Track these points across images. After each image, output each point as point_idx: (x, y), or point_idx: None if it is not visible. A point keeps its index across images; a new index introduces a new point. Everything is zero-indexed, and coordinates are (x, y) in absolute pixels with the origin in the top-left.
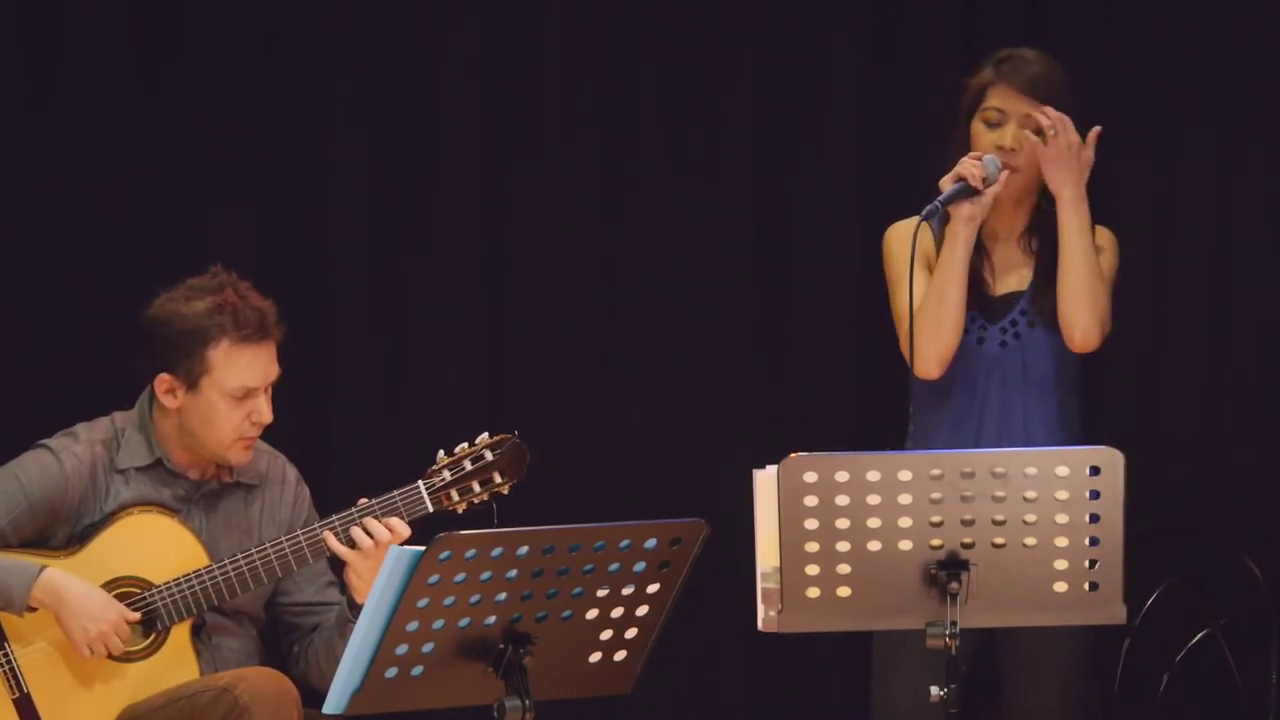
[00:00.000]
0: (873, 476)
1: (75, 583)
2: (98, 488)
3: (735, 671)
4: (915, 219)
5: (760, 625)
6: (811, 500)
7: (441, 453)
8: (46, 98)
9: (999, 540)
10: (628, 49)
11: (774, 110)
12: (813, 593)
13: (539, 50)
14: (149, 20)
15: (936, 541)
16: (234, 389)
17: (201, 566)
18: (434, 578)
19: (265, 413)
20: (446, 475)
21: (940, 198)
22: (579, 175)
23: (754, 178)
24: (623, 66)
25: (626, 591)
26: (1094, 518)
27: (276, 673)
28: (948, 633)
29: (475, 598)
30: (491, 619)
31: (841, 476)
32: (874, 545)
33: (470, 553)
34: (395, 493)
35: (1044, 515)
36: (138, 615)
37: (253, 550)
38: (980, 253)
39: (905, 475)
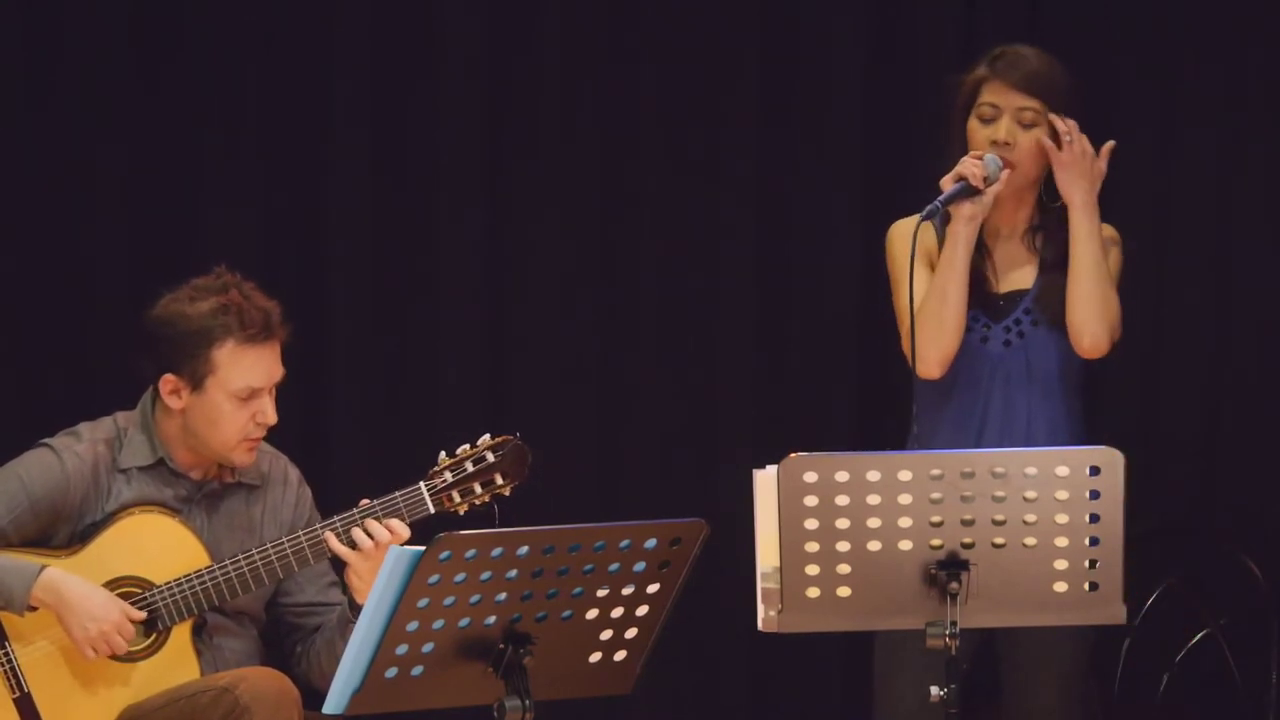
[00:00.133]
0: (873, 476)
1: (76, 582)
2: (99, 487)
3: (735, 671)
4: (916, 217)
5: (760, 625)
6: (811, 500)
7: (443, 454)
8: (46, 98)
9: (999, 540)
10: (628, 49)
11: (774, 110)
12: (813, 593)
13: (539, 50)
14: (149, 20)
15: (936, 541)
16: (239, 389)
17: (202, 567)
18: (434, 578)
19: (270, 414)
20: (448, 476)
21: (941, 198)
22: (579, 175)
23: (754, 178)
24: (623, 66)
25: (626, 591)
26: (1094, 518)
27: (277, 673)
28: (948, 633)
29: (475, 598)
30: (491, 619)
31: (841, 476)
32: (874, 545)
33: (470, 553)
34: (397, 494)
35: (1044, 515)
36: (143, 614)
37: (253, 551)
38: (982, 251)
39: (905, 475)
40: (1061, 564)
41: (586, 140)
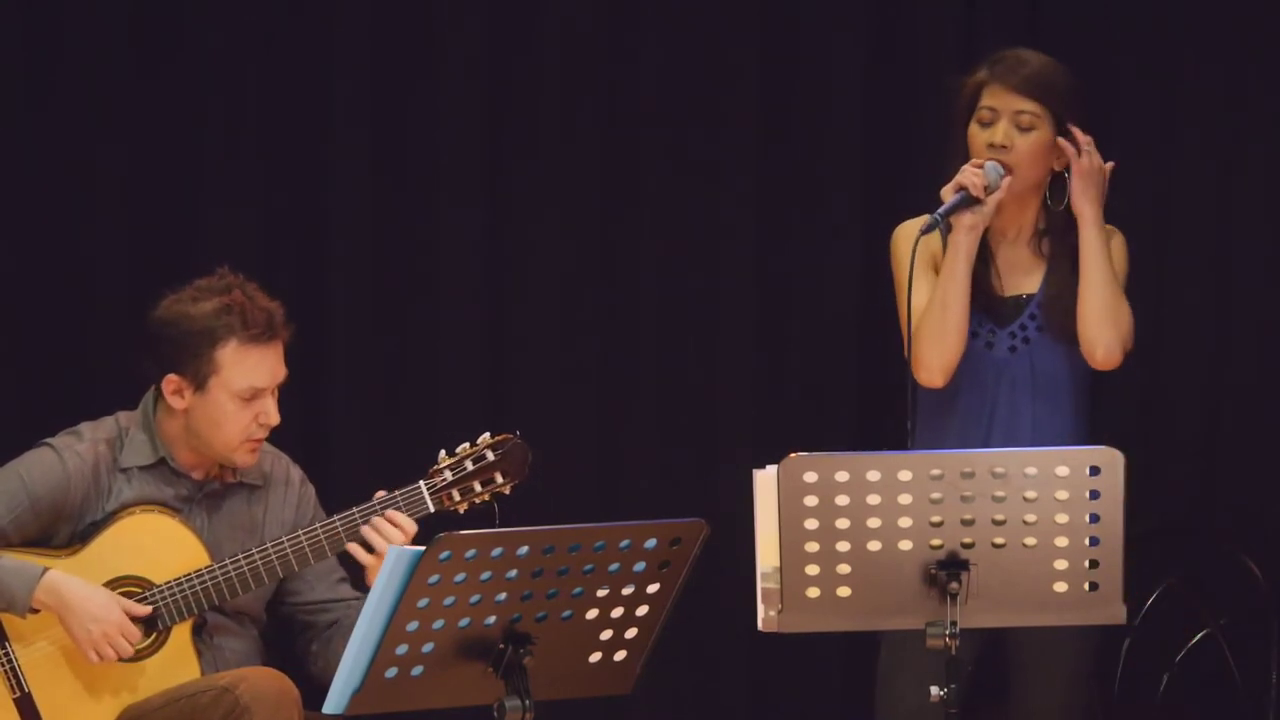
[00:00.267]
0: (873, 476)
1: (78, 584)
2: (100, 486)
3: (735, 671)
4: (921, 218)
5: (760, 625)
6: (811, 500)
7: (443, 453)
8: (46, 98)
9: (999, 540)
10: (628, 49)
11: (774, 110)
12: (813, 593)
13: (539, 50)
14: (149, 20)
15: (936, 541)
16: (242, 389)
17: (203, 566)
18: (434, 578)
19: (272, 414)
20: (448, 475)
21: (941, 209)
22: (579, 175)
23: (754, 178)
24: (623, 66)
25: (626, 591)
26: (1094, 518)
27: (277, 673)
28: (948, 633)
29: (475, 598)
30: (491, 619)
31: (841, 476)
32: (874, 545)
33: (470, 553)
34: (397, 492)
35: (1044, 515)
36: (146, 609)
37: (254, 550)
38: (986, 254)
39: (905, 475)
40: (1061, 564)
41: (586, 140)
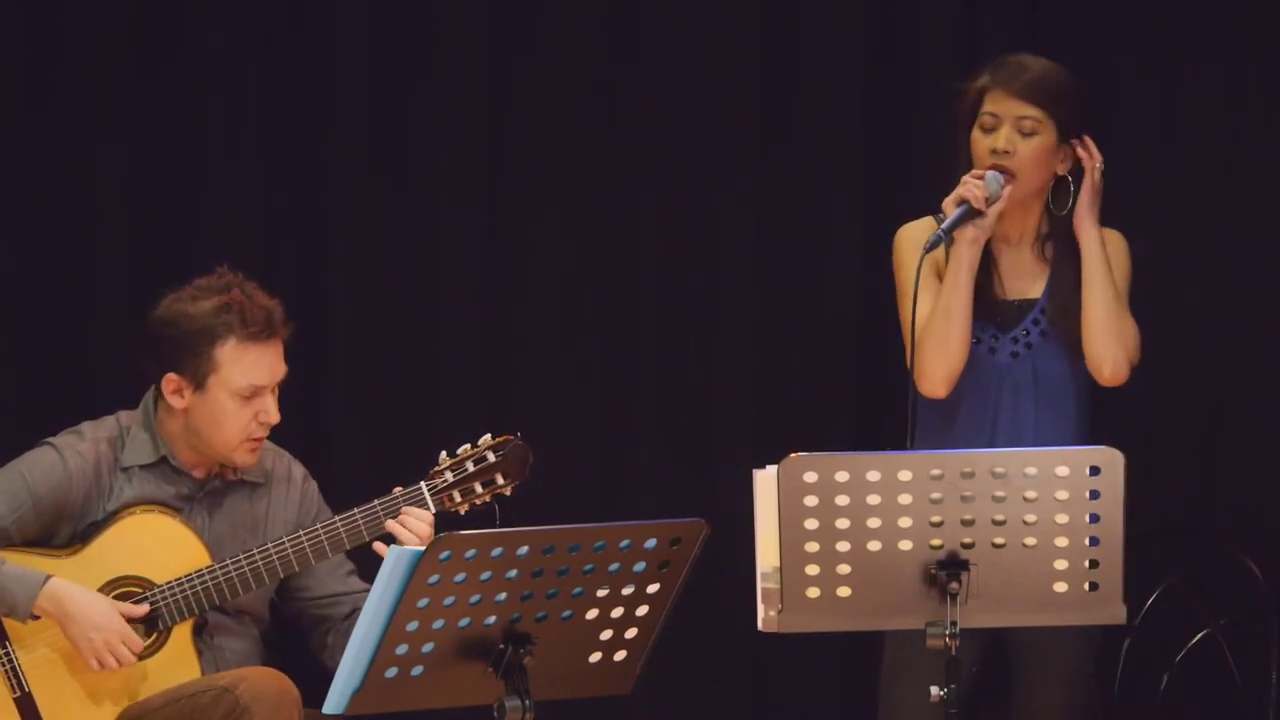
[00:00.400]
0: (873, 476)
1: (79, 592)
2: (101, 486)
3: (735, 671)
4: (925, 220)
5: (760, 625)
6: (811, 500)
7: (444, 453)
8: (46, 98)
9: (999, 540)
10: (628, 49)
11: (774, 110)
12: (813, 593)
13: (539, 50)
14: (149, 20)
15: (936, 541)
16: (241, 388)
17: (203, 566)
18: (434, 578)
19: (272, 413)
20: (449, 476)
21: (944, 225)
22: (579, 175)
23: (754, 178)
24: (623, 66)
25: (626, 591)
26: (1094, 518)
27: (277, 673)
28: (948, 633)
29: (475, 598)
30: (491, 619)
31: (841, 476)
32: (874, 545)
33: (470, 553)
34: (398, 493)
35: (1044, 515)
36: (143, 609)
37: (254, 550)
38: (988, 259)
39: (905, 475)
40: (1061, 564)
41: (586, 140)
